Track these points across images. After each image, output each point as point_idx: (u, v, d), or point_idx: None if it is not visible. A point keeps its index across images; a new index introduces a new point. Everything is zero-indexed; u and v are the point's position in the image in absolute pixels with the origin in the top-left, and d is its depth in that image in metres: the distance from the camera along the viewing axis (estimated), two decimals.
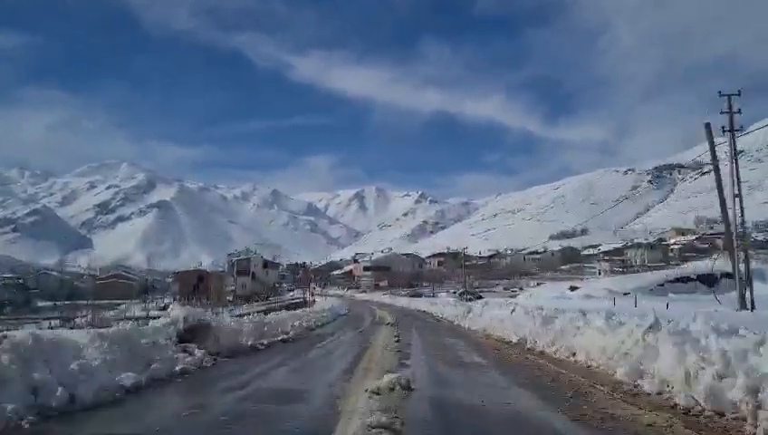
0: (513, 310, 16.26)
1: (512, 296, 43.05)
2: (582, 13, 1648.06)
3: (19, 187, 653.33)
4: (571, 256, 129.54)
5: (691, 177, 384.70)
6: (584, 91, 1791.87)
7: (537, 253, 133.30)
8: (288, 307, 33.63)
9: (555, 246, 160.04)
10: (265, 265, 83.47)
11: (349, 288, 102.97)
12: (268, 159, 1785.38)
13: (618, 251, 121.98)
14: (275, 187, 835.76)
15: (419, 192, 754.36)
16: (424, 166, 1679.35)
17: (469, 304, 27.60)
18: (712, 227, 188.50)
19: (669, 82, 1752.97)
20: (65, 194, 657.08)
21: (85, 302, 48.74)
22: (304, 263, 56.66)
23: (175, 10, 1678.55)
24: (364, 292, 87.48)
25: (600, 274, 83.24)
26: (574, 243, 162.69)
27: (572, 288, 38.32)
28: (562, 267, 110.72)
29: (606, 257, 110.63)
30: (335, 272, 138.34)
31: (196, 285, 42.22)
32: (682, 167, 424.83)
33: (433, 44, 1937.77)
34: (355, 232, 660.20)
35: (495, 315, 17.83)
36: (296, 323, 18.77)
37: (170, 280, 75.01)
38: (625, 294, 30.95)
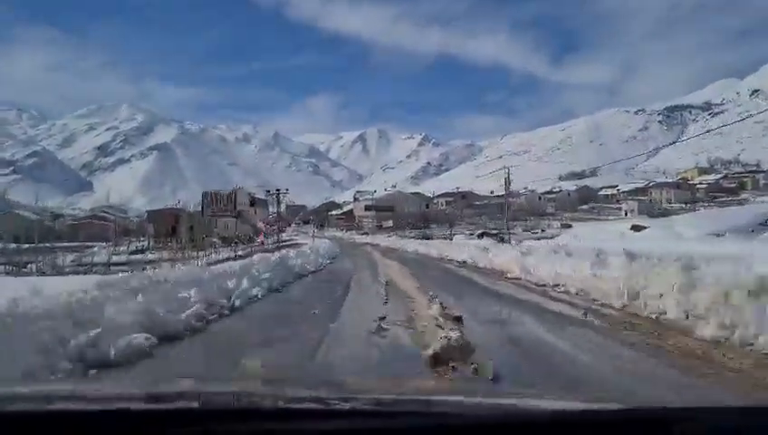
0: None
1: (547, 238, 36.71)
2: None
3: (18, 128, 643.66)
4: (587, 195, 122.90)
5: (702, 117, 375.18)
6: (591, 29, 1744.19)
7: (552, 192, 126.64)
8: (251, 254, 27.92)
9: (566, 186, 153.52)
10: (252, 202, 75.38)
11: (348, 230, 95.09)
12: (269, 101, 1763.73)
13: (641, 191, 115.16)
14: (277, 128, 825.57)
15: (422, 134, 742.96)
16: (426, 108, 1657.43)
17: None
18: (727, 168, 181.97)
19: (679, 20, 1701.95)
20: (65, 136, 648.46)
21: (50, 245, 43.16)
22: (278, 190, 43.70)
23: None
24: (366, 233, 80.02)
25: (625, 214, 77.20)
26: (585, 183, 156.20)
27: (637, 228, 31.90)
28: (583, 207, 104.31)
29: (628, 197, 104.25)
30: (334, 212, 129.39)
31: (173, 227, 36.42)
32: (692, 107, 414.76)
33: None
34: (357, 174, 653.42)
35: None
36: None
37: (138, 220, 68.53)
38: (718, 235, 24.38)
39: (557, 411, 1.25)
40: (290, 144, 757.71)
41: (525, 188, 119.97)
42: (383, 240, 55.62)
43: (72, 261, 34.23)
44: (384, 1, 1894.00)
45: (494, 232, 46.01)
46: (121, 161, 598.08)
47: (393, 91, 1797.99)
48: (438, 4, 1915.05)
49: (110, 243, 47.86)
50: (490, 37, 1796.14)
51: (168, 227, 35.27)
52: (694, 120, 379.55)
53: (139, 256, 34.27)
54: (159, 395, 1.57)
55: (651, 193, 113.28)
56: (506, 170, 43.49)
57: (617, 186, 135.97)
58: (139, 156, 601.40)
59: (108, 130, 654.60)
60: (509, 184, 43.20)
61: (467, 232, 53.03)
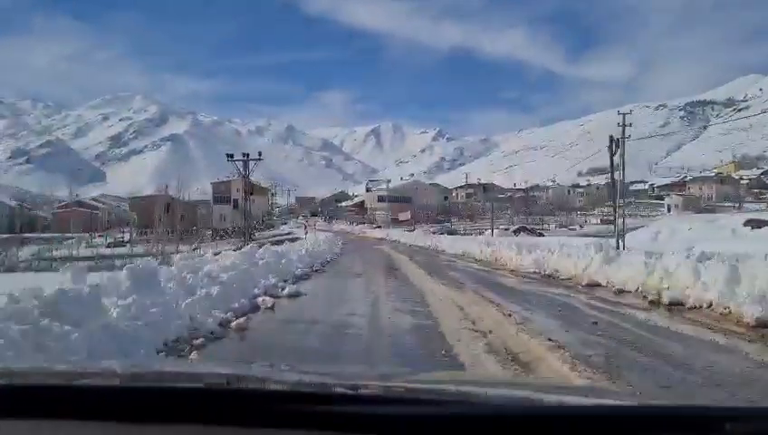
0: None
1: (605, 236, 30.43)
2: None
3: (32, 118, 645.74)
4: (619, 190, 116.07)
5: (726, 114, 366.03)
6: (609, 25, 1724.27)
7: (580, 186, 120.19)
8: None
9: (585, 181, 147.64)
10: (251, 190, 67.87)
11: (359, 223, 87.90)
12: (283, 94, 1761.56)
13: (677, 186, 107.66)
14: (290, 122, 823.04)
15: (436, 129, 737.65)
16: (441, 102, 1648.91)
17: None
18: (756, 165, 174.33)
19: (699, 15, 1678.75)
20: (79, 126, 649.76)
21: (22, 235, 38.28)
22: (246, 155, 29.56)
23: None
24: (379, 227, 73.95)
25: (668, 209, 71.37)
26: (604, 179, 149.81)
27: (755, 224, 26.06)
28: (621, 201, 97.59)
29: (662, 193, 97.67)
30: (344, 203, 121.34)
31: (159, 217, 31.36)
32: (715, 103, 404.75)
33: None
34: (371, 168, 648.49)
35: None
36: None
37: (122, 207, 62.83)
38: None
39: (577, 407, 1.18)
40: (303, 137, 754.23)
41: (553, 181, 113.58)
42: (403, 235, 47.04)
43: (32, 255, 29.09)
44: None
45: (531, 227, 40.40)
46: (134, 152, 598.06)
47: (407, 85, 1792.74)
48: None
49: (98, 233, 42.88)
50: (506, 32, 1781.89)
51: (154, 217, 30.26)
52: (717, 115, 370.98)
53: (109, 251, 28.92)
54: (168, 375, 1.55)
55: (689, 188, 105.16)
56: (622, 116, 30.62)
57: (645, 181, 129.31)
58: (152, 147, 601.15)
59: (121, 120, 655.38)
60: (622, 146, 28.07)
61: (502, 227, 46.81)
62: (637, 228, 33.91)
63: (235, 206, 56.23)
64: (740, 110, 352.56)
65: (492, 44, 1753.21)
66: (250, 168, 31.11)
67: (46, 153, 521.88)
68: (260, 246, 18.72)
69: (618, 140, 27.50)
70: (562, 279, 14.07)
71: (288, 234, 47.65)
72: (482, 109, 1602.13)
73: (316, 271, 17.11)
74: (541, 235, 28.86)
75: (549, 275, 14.86)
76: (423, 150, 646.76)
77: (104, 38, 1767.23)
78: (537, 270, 15.74)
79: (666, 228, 27.82)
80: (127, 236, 39.68)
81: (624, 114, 31.81)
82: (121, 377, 1.50)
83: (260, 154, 32.69)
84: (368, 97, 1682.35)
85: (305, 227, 47.79)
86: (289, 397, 1.24)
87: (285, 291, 11.39)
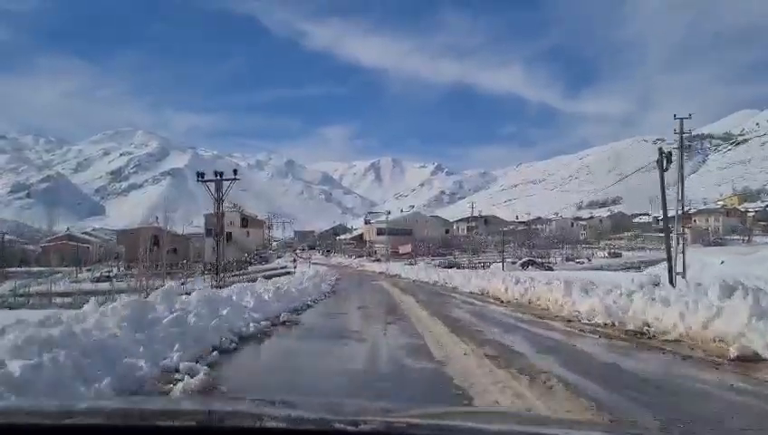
0: None
1: (627, 268, 28.95)
2: None
3: (34, 153, 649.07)
4: (622, 223, 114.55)
5: (725, 147, 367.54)
6: (606, 61, 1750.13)
7: (582, 219, 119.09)
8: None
9: (585, 214, 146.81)
10: (245, 222, 64.61)
11: (358, 256, 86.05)
12: (283, 129, 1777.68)
13: (683, 218, 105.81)
14: (290, 156, 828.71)
15: (435, 163, 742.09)
16: (440, 137, 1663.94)
17: None
18: (760, 199, 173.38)
19: (694, 52, 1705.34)
20: (79, 161, 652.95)
21: (4, 269, 36.75)
22: (219, 173, 29.11)
23: None
24: (378, 260, 71.87)
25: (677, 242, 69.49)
26: (604, 212, 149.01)
27: None
28: (626, 234, 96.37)
29: (669, 225, 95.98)
30: (343, 236, 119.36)
31: (149, 249, 29.89)
32: (713, 137, 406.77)
33: (452, 12, 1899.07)
34: (370, 202, 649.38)
35: None
36: None
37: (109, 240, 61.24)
38: None
39: None
40: (303, 171, 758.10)
41: (556, 214, 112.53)
42: (404, 269, 44.01)
43: (10, 290, 27.47)
44: (399, 33, 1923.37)
45: (540, 261, 38.76)
46: (135, 186, 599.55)
47: (407, 120, 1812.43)
48: (453, 38, 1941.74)
49: (87, 267, 41.32)
50: (504, 69, 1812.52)
51: (142, 251, 28.82)
52: (715, 149, 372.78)
53: (92, 286, 27.37)
54: (159, 413, 1.53)
55: (695, 220, 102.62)
56: (679, 121, 26.07)
57: (648, 213, 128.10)
58: (152, 181, 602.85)
59: (122, 155, 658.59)
60: (681, 158, 24.24)
61: (509, 260, 44.96)
62: (658, 262, 31.87)
63: (229, 238, 54.77)
64: (738, 144, 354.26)
65: (490, 81, 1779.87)
66: (225, 189, 28.24)
67: (47, 187, 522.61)
68: (250, 282, 16.98)
69: (669, 153, 22.75)
70: (667, 341, 8.69)
71: (284, 268, 46.18)
72: (481, 143, 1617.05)
73: (283, 323, 11.64)
74: (550, 268, 27.42)
75: (638, 333, 9.58)
76: (422, 184, 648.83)
77: (106, 76, 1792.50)
78: (609, 322, 10.57)
79: (695, 262, 25.60)
80: (115, 271, 38.21)
81: (682, 119, 27.33)
82: (109, 415, 1.44)
83: (235, 172, 29.65)
84: (367, 132, 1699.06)
85: (295, 260, 46.19)
86: (286, 434, 1.19)
87: (179, 386, 5.62)
